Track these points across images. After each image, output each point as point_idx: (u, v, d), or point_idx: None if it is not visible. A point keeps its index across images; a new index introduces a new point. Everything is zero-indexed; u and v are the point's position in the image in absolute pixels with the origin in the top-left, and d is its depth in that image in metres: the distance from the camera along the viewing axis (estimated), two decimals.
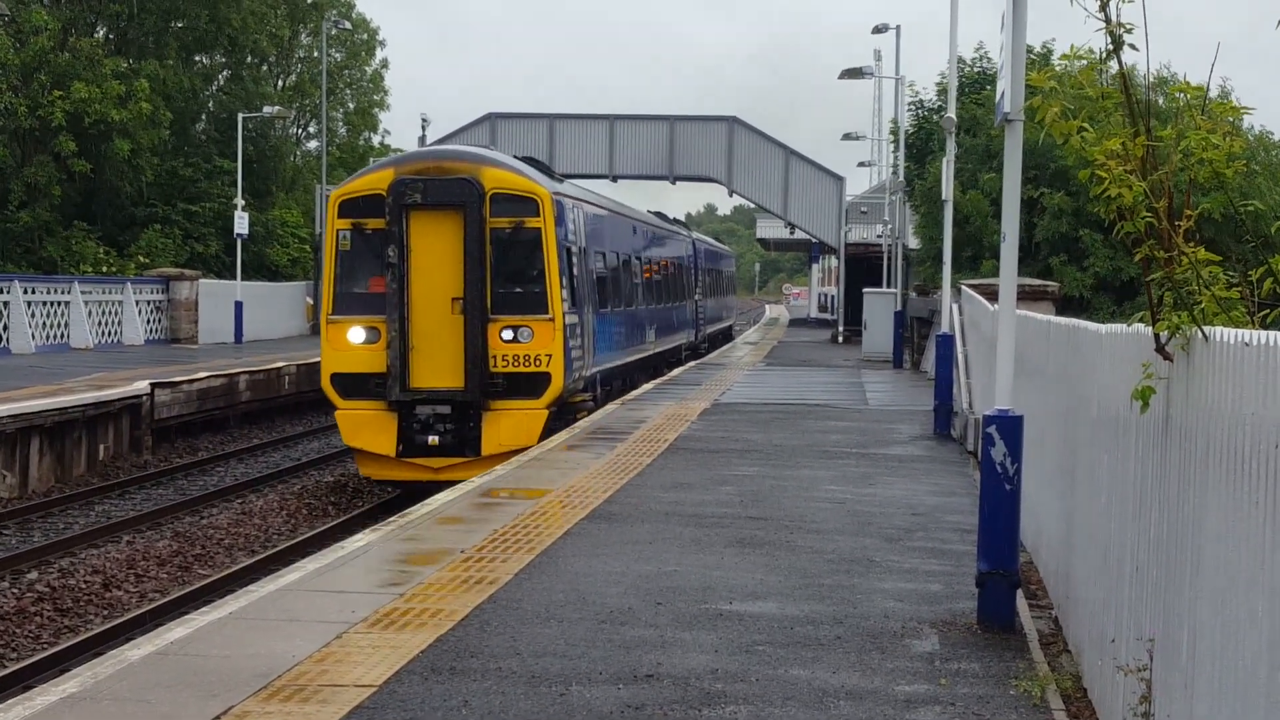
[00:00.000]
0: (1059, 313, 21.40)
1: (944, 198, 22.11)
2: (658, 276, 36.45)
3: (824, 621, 9.81)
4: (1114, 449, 7.61)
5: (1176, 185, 5.66)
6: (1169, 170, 5.67)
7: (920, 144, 43.11)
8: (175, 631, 9.09)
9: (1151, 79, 6.72)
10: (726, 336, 61.02)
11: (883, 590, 10.88)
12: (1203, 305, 5.61)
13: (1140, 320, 6.37)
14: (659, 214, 44.18)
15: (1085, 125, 6.00)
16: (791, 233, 63.15)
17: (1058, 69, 6.27)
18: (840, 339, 54.93)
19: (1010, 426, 9.66)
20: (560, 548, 12.22)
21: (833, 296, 77.71)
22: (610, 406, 26.23)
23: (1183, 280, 5.71)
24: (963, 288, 23.70)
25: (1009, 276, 9.95)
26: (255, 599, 10.08)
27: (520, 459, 18.41)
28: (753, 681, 8.29)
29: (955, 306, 23.33)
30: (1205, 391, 5.40)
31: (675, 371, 37.50)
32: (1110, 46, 5.90)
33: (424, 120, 62.04)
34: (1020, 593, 10.16)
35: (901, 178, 39.68)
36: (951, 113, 21.70)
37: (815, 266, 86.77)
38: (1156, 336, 6.03)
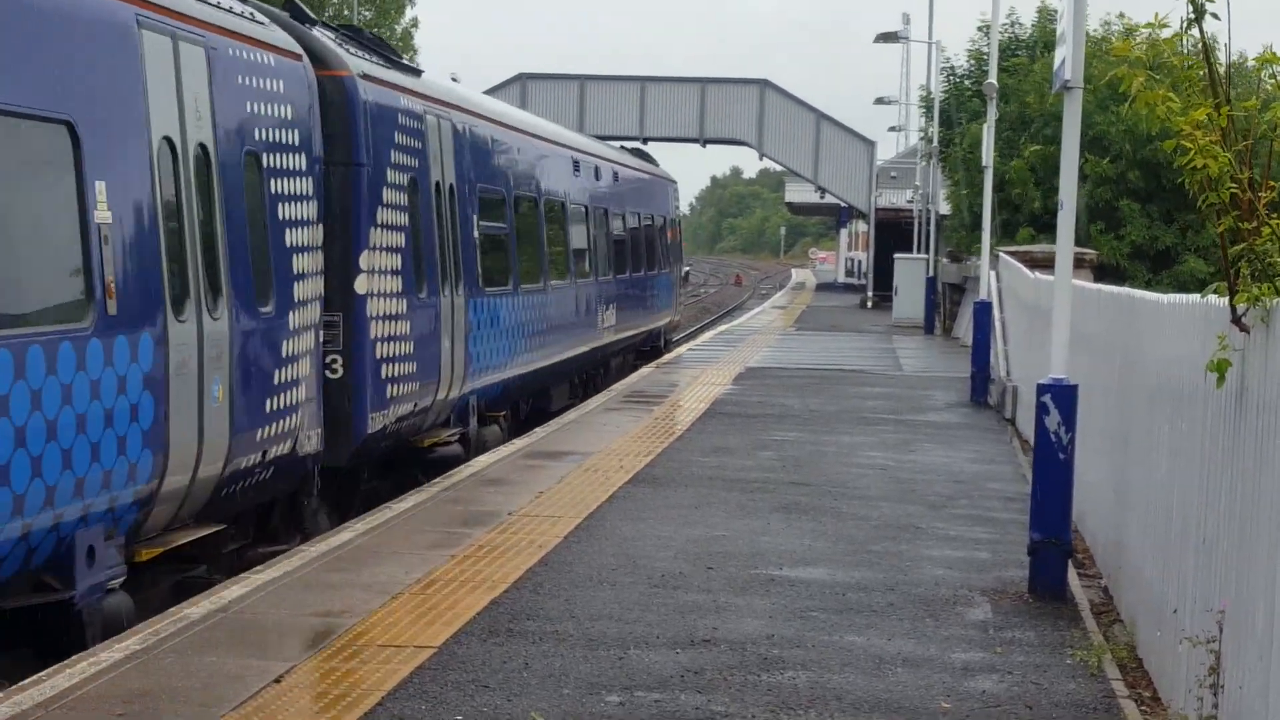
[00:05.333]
0: (1095, 281, 21.32)
1: (984, 164, 22.01)
2: None
3: (875, 588, 9.82)
4: (1177, 420, 7.59)
5: (1259, 156, 5.63)
6: (1250, 141, 5.64)
7: (952, 110, 42.89)
8: (232, 590, 9.15)
9: (1232, 50, 6.66)
10: (653, 348, 30.43)
11: (931, 558, 10.89)
12: None
13: (1214, 291, 6.34)
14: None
15: (1170, 95, 5.97)
16: (821, 197, 62.89)
17: (1141, 37, 6.24)
18: (869, 304, 54.82)
19: (1065, 395, 9.63)
20: (606, 511, 12.26)
21: (860, 261, 77.58)
22: (645, 370, 26.27)
23: (1264, 251, 5.68)
24: (1001, 255, 23.63)
25: (1065, 244, 9.90)
26: (309, 559, 10.13)
27: (559, 421, 18.47)
28: (809, 647, 8.32)
29: (993, 273, 23.27)
30: None
31: (704, 336, 37.49)
32: (1191, 15, 5.86)
33: (454, 79, 61.89)
34: (1069, 562, 10.15)
35: (935, 143, 39.50)
36: (993, 78, 21.61)
37: (843, 231, 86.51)
38: (1233, 308, 6.01)
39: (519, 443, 16.38)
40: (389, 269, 13.69)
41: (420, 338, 14.38)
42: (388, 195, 13.77)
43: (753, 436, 17.33)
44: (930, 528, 12.07)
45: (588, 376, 24.09)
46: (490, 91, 53.99)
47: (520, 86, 54.63)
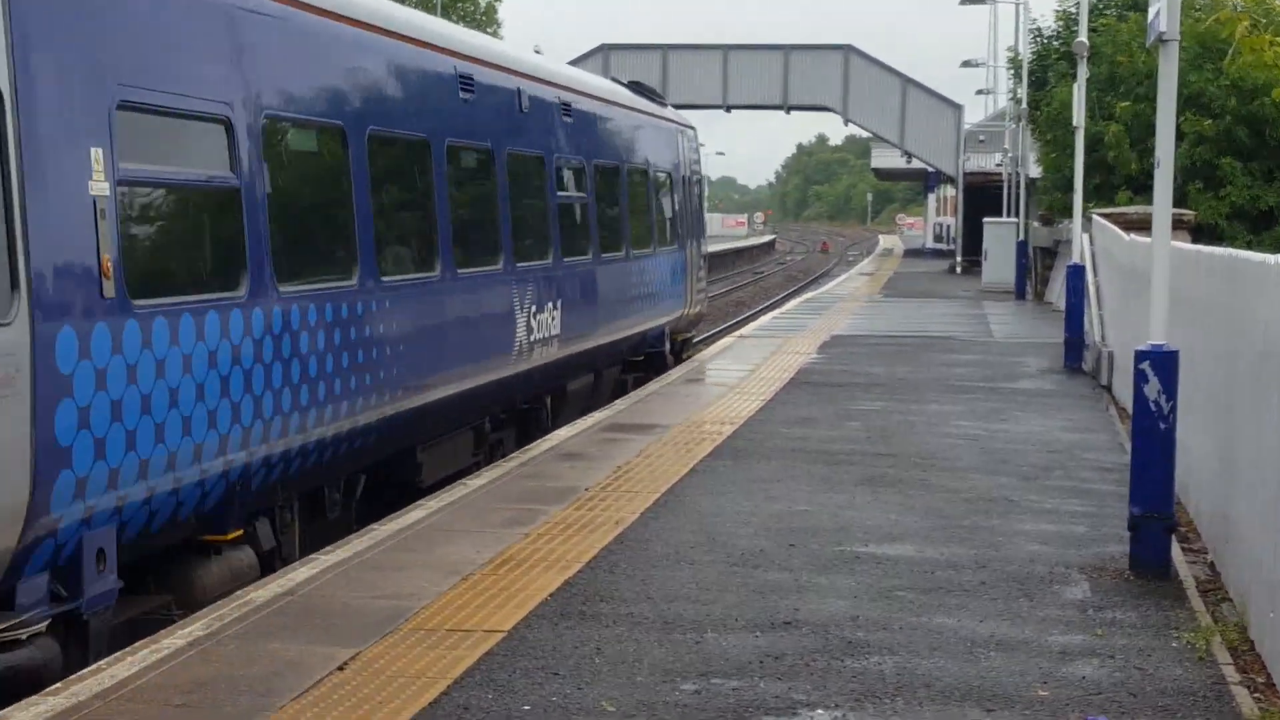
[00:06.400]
0: (1192, 242, 20.64)
1: (1075, 124, 21.36)
2: None
3: (966, 565, 9.39)
4: None
5: None
6: None
7: (1040, 72, 41.99)
8: (300, 573, 8.90)
9: None
10: (650, 357, 21.34)
11: (1024, 532, 10.43)
12: None
13: None
14: None
15: (1278, 40, 5.51)
16: (909, 162, 62.01)
17: None
18: (958, 269, 53.99)
19: (1165, 362, 9.14)
20: (685, 486, 11.90)
21: (948, 226, 76.54)
22: (727, 340, 25.88)
23: None
24: (1094, 217, 22.96)
25: (1164, 203, 9.38)
26: (379, 538, 9.87)
27: (640, 392, 18.12)
28: (896, 630, 7.92)
29: (1086, 236, 22.61)
30: None
31: (790, 304, 37.02)
32: None
33: (537, 51, 61.61)
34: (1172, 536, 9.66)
35: (1025, 105, 38.63)
36: (1083, 36, 20.95)
37: (931, 196, 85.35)
38: None
39: (598, 415, 16.05)
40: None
41: None
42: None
43: (838, 406, 16.91)
44: (1024, 501, 11.61)
45: (520, 414, 15.60)
46: (573, 63, 53.69)
47: (603, 57, 54.23)
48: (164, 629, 7.85)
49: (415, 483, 12.41)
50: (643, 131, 21.11)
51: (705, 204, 25.61)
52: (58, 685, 6.87)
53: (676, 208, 22.72)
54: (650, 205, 21.01)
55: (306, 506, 10.74)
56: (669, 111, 23.78)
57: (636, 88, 22.65)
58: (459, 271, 13.02)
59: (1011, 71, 44.43)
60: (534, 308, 15.00)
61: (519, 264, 14.70)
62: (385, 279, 11.44)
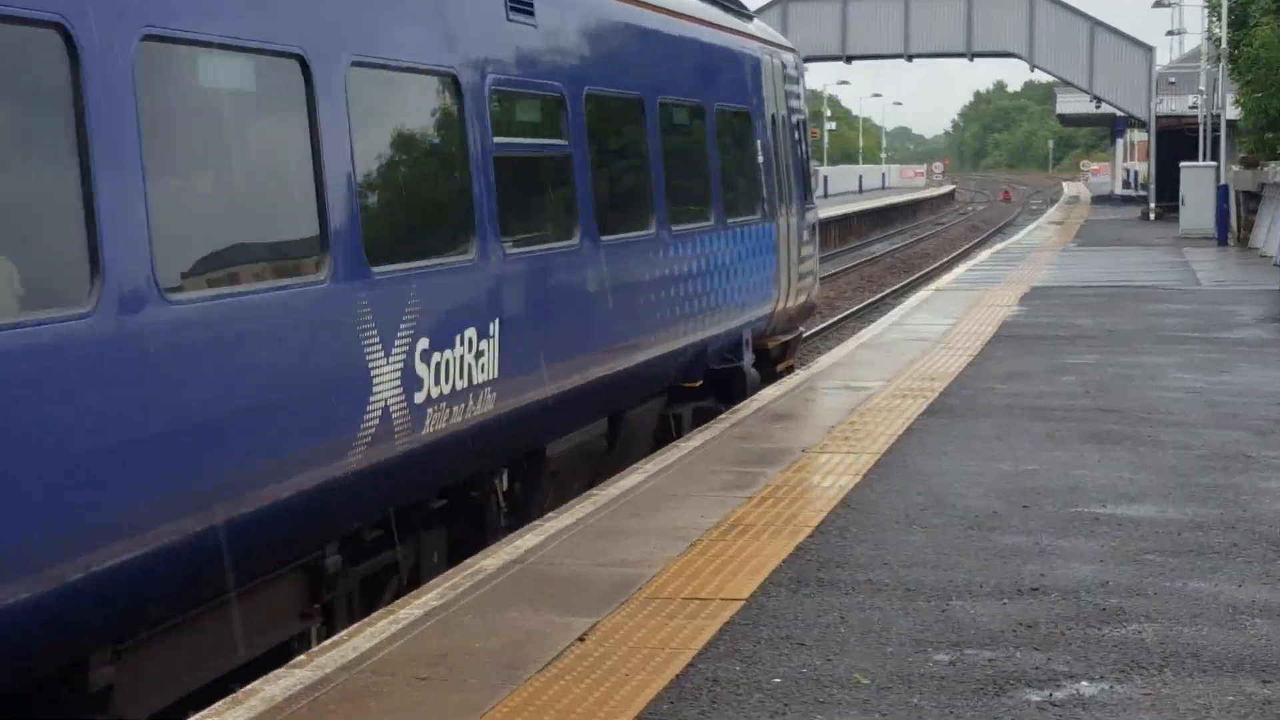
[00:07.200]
0: None
1: None
2: None
3: (1213, 527, 8.96)
4: None
5: None
6: None
7: (1239, 8, 40.42)
8: (527, 539, 8.82)
9: None
10: (724, 374, 14.54)
11: (1270, 490, 9.94)
12: None
13: None
14: None
15: None
16: (1097, 107, 60.28)
17: None
18: (1152, 216, 52.45)
19: None
20: (903, 445, 11.60)
21: (1137, 172, 74.39)
22: (924, 293, 25.43)
23: None
24: None
25: None
26: (600, 504, 9.76)
27: (841, 350, 17.83)
28: (1150, 595, 7.56)
29: None
30: None
31: (981, 255, 36.30)
32: None
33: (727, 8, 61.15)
34: None
35: (1225, 44, 37.20)
36: None
37: (1119, 141, 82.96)
38: None
39: (803, 374, 15.79)
40: None
41: None
42: None
43: (1048, 360, 16.43)
44: (1262, 456, 11.08)
45: (439, 513, 9.73)
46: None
47: (780, 10, 53.63)
48: (400, 599, 7.82)
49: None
50: (698, 50, 14.19)
51: (808, 153, 18.43)
52: (302, 658, 6.88)
53: (762, 161, 15.87)
54: (709, 158, 14.23)
55: None
56: (753, 27, 16.75)
57: None
58: (220, 295, 6.82)
59: (1208, 10, 42.86)
60: (426, 340, 8.52)
61: (376, 269, 7.99)
62: None
